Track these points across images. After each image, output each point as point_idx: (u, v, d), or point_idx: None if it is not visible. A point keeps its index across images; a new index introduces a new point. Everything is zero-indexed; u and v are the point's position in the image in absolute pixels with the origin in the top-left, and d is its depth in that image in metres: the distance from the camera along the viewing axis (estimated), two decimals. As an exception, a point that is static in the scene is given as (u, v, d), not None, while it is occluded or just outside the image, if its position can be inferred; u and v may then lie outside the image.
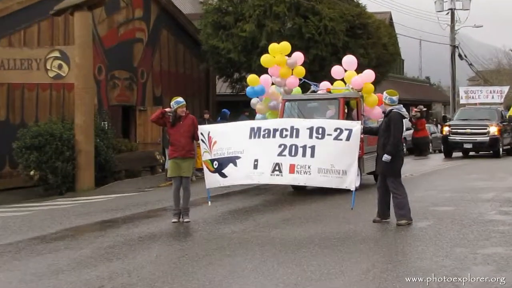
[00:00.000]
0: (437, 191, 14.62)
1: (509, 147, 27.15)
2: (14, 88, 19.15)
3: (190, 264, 8.05)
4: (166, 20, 25.05)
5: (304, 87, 16.87)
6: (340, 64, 16.25)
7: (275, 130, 11.00)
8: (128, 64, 23.11)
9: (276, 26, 22.21)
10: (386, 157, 10.29)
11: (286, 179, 11.00)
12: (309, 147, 10.63)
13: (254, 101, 16.89)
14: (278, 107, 15.84)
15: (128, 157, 20.51)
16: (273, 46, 16.58)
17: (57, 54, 18.01)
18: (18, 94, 19.36)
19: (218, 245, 9.15)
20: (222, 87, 29.26)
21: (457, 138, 25.81)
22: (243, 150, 11.04)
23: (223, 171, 11.12)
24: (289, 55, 16.39)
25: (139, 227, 10.98)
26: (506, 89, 35.91)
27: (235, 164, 11.01)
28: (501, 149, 25.86)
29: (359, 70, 16.22)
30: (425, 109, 31.99)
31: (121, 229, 10.85)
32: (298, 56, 16.54)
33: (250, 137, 11.14)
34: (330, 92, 15.85)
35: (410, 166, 20.38)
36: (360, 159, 13.27)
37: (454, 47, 42.04)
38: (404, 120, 11.08)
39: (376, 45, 23.84)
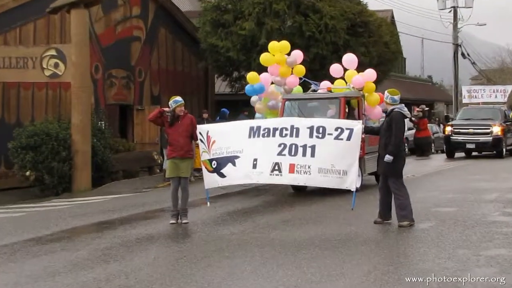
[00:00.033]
0: (439, 192, 14.53)
1: (512, 147, 27.02)
2: (10, 87, 19.01)
3: (189, 266, 7.99)
4: (164, 18, 24.91)
5: (305, 86, 16.71)
6: (341, 63, 16.10)
7: (275, 129, 10.93)
8: (126, 63, 22.97)
9: (276, 24, 22.06)
10: (388, 157, 10.18)
11: (286, 179, 10.94)
12: (309, 146, 10.56)
13: (254, 98, 16.67)
14: (277, 106, 15.73)
15: (126, 157, 20.39)
16: (272, 45, 16.44)
17: (53, 52, 17.89)
18: (14, 93, 19.23)
19: (217, 246, 9.09)
20: (221, 86, 29.15)
21: (460, 138, 25.62)
22: (242, 149, 10.98)
23: (221, 171, 11.08)
24: (289, 54, 16.24)
25: (136, 228, 10.91)
26: (509, 88, 35.81)
27: (234, 164, 10.96)
28: (504, 150, 25.65)
29: (360, 68, 16.08)
30: (427, 108, 31.95)
31: (118, 231, 10.79)
32: (298, 54, 16.39)
33: (250, 137, 11.09)
34: (330, 91, 15.73)
35: (412, 167, 20.32)
36: (361, 159, 13.14)
37: (456, 46, 41.89)
38: (405, 120, 10.97)
39: (378, 43, 23.70)
